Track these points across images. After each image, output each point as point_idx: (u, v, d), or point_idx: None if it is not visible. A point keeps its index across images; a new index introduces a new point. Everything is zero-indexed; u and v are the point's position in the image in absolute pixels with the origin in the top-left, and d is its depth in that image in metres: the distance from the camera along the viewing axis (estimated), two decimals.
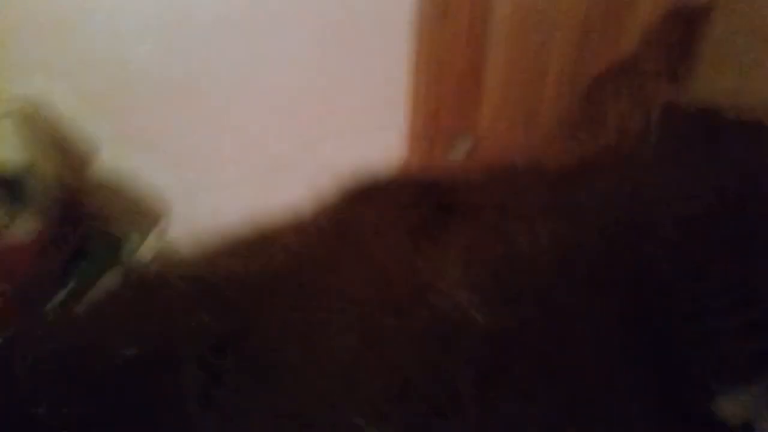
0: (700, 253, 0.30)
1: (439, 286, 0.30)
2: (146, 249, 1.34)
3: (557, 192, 0.35)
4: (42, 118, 1.46)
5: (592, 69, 1.56)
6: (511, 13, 1.48)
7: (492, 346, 0.29)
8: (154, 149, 1.61)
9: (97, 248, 1.15)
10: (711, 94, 1.47)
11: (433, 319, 0.27)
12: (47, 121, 1.48)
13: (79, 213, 1.12)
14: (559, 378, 0.27)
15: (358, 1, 1.45)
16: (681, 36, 1.53)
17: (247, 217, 1.38)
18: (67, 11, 1.45)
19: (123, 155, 1.62)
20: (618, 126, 1.60)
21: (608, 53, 1.55)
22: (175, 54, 1.49)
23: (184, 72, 1.52)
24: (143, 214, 1.54)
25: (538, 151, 1.52)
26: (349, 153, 1.57)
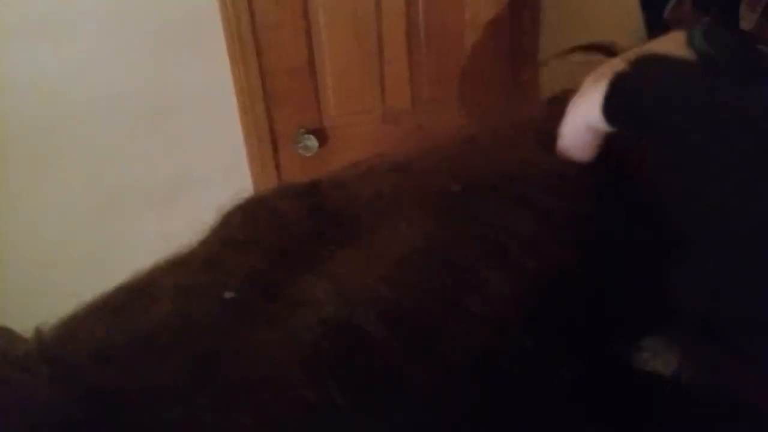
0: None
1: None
2: None
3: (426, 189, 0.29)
4: None
5: (430, 36, 1.51)
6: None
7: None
8: None
9: None
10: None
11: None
12: None
13: None
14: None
15: (172, 13, 1.31)
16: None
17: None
18: None
19: None
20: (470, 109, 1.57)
21: (439, 19, 1.50)
22: None
23: None
24: None
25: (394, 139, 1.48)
26: (192, 164, 1.43)
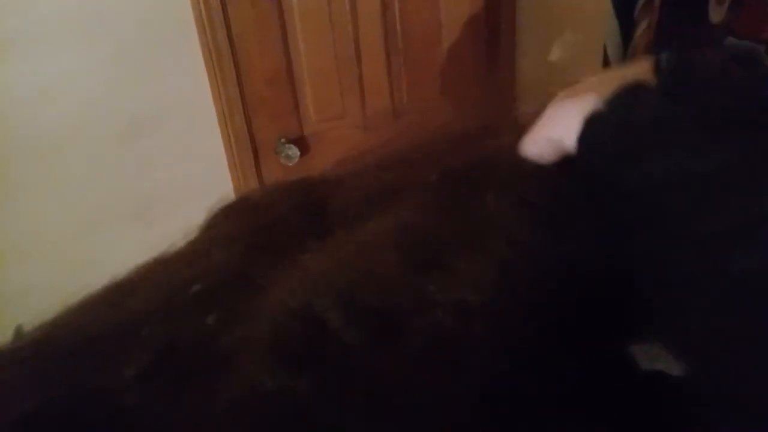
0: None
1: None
2: None
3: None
4: None
5: (407, 39, 1.51)
6: (307, 6, 1.38)
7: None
8: None
9: None
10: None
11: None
12: None
13: None
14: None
15: (146, 26, 1.30)
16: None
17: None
18: None
19: None
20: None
21: (415, 21, 1.51)
22: None
23: None
24: None
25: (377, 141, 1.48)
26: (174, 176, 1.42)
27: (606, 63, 1.55)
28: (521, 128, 0.32)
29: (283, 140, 1.48)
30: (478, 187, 0.29)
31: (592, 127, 0.27)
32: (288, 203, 0.32)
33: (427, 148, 0.36)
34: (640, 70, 0.29)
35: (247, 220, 0.32)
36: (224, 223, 0.32)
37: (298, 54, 1.43)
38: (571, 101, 0.29)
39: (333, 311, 0.22)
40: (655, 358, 0.24)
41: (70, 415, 0.20)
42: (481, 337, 0.23)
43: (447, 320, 0.23)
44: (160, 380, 0.21)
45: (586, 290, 0.25)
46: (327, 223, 0.29)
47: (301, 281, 0.25)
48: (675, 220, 0.23)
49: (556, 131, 0.29)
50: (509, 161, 0.30)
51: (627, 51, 1.21)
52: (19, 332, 0.25)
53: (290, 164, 1.49)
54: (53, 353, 0.23)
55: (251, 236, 0.30)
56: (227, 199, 0.34)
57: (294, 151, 1.48)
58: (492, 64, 1.60)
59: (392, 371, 0.21)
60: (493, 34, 1.59)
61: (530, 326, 0.24)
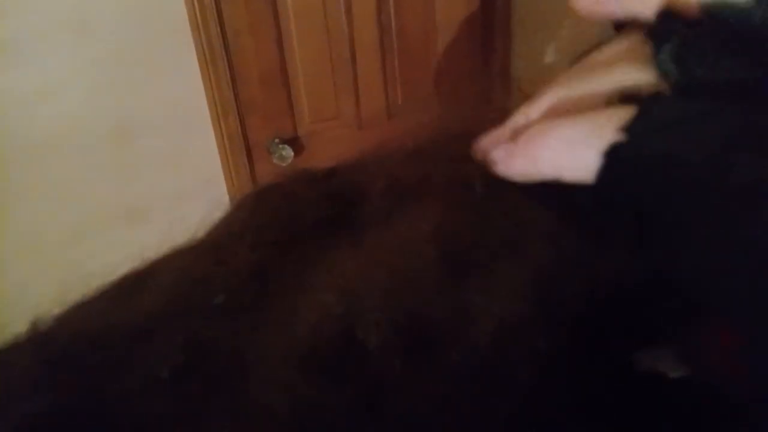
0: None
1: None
2: None
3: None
4: None
5: (402, 39, 1.51)
6: (302, 6, 1.38)
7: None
8: None
9: None
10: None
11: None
12: None
13: None
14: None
15: (140, 27, 1.29)
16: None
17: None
18: None
19: None
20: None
21: (410, 21, 1.50)
22: None
23: None
24: None
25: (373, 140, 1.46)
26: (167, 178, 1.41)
27: None
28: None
29: (276, 141, 1.47)
30: (518, 190, 0.26)
31: (618, 162, 0.23)
32: (316, 192, 0.30)
33: (457, 139, 0.33)
34: (633, 56, 0.25)
35: (272, 211, 0.30)
36: (248, 214, 0.31)
37: (292, 54, 1.42)
38: (558, 130, 0.25)
39: (371, 321, 0.21)
40: (657, 359, 0.23)
41: (81, 418, 0.20)
42: (521, 353, 0.21)
43: (487, 336, 0.21)
44: (189, 384, 0.20)
45: (629, 304, 0.23)
46: (359, 215, 0.27)
47: (337, 284, 0.23)
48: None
49: (549, 167, 0.25)
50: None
51: None
52: (35, 322, 0.24)
53: (284, 165, 1.48)
54: (61, 352, 0.22)
55: (278, 228, 0.28)
56: (250, 188, 0.32)
57: (288, 151, 1.47)
58: (487, 65, 1.60)
59: (430, 389, 0.20)
60: (488, 34, 1.58)
61: (570, 342, 0.22)
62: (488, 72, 1.60)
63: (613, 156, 0.23)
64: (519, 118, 0.28)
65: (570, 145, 0.25)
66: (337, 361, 0.20)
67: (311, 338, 0.21)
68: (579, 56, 0.29)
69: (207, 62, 1.34)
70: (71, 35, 1.28)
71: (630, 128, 0.23)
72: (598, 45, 0.31)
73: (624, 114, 0.24)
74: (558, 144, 0.25)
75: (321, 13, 1.41)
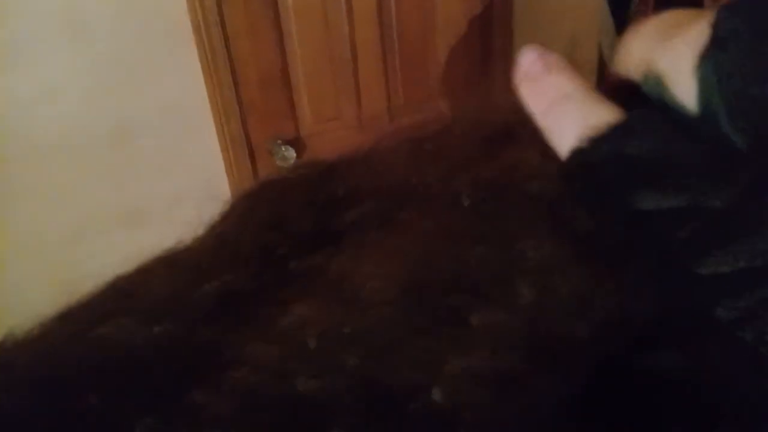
0: None
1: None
2: None
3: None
4: None
5: (403, 39, 1.51)
6: (303, 7, 1.38)
7: None
8: None
9: None
10: None
11: None
12: None
13: None
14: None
15: (142, 29, 1.30)
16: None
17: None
18: None
19: None
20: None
21: (411, 22, 1.50)
22: None
23: None
24: None
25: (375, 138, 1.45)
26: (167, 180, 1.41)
27: (601, 61, 1.55)
28: (542, 138, 0.28)
29: (279, 142, 1.47)
30: (510, 214, 0.24)
31: (574, 165, 0.22)
32: (309, 193, 0.29)
33: (451, 140, 0.31)
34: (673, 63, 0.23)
35: (264, 214, 0.29)
36: (242, 210, 0.30)
37: (293, 55, 1.43)
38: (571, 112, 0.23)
39: (320, 372, 0.20)
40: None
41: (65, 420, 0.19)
42: (497, 414, 0.19)
43: (455, 396, 0.19)
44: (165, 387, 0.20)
45: (635, 347, 0.20)
46: (341, 225, 0.25)
47: (293, 321, 0.22)
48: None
49: (553, 137, 0.24)
50: (544, 185, 0.25)
51: None
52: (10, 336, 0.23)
53: (287, 166, 1.48)
54: (44, 364, 0.22)
55: (266, 234, 0.27)
56: (245, 188, 0.31)
57: (290, 152, 1.48)
58: (487, 64, 1.60)
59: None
60: (489, 33, 1.59)
61: (563, 399, 0.19)
62: (489, 71, 1.60)
63: (572, 158, 0.23)
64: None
65: (553, 111, 0.24)
66: (275, 413, 0.19)
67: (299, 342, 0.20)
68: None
69: (209, 64, 1.34)
70: (73, 37, 1.28)
71: (595, 141, 0.22)
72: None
73: (610, 117, 0.22)
74: (559, 110, 0.24)
75: (321, 13, 1.41)
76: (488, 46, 1.60)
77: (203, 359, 0.21)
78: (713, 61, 0.21)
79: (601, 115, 0.23)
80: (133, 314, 0.23)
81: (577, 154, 0.22)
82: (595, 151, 0.22)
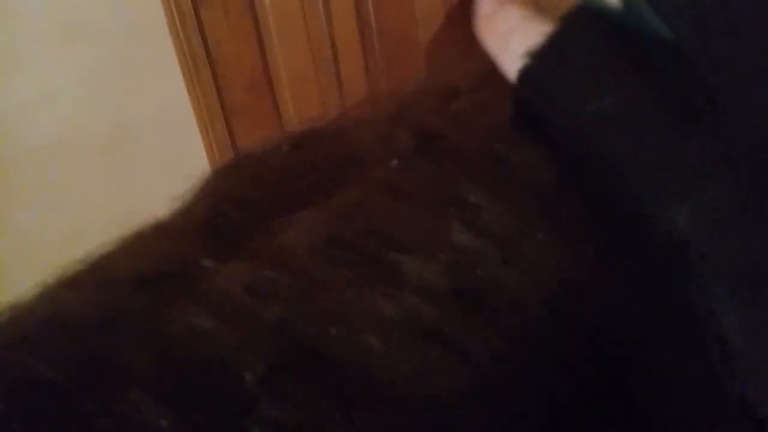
0: None
1: None
2: None
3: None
4: None
5: (383, 37, 1.51)
6: (281, 7, 1.38)
7: None
8: None
9: None
10: None
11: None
12: None
13: None
14: None
15: (120, 40, 1.28)
16: None
17: None
18: None
19: None
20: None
21: (391, 19, 1.50)
22: None
23: None
24: None
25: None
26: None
27: None
28: (500, 87, 0.27)
29: (261, 140, 1.47)
30: (453, 171, 0.23)
31: (525, 82, 0.23)
32: (286, 164, 0.28)
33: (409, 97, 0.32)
34: None
35: (242, 183, 0.28)
36: (220, 185, 0.29)
37: (274, 57, 1.42)
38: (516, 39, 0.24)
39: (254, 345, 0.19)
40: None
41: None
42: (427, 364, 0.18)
43: (387, 341, 0.18)
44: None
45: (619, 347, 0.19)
46: (297, 196, 0.25)
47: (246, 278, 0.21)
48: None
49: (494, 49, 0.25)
50: (496, 135, 0.24)
51: None
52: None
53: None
54: (26, 342, 0.21)
55: (244, 200, 0.26)
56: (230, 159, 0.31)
57: None
58: (468, 57, 1.60)
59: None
60: (468, 29, 1.59)
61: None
62: (470, 65, 1.60)
63: (521, 76, 0.24)
64: None
65: (504, 41, 0.25)
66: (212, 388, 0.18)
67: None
68: None
69: (190, 70, 1.34)
70: (52, 49, 1.27)
71: (535, 55, 0.23)
72: None
73: (547, 31, 0.23)
74: (500, 33, 0.25)
75: (300, 13, 1.41)
76: (468, 40, 1.60)
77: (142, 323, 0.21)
78: None
79: (543, 34, 0.24)
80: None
81: (524, 71, 0.23)
82: (537, 65, 0.23)
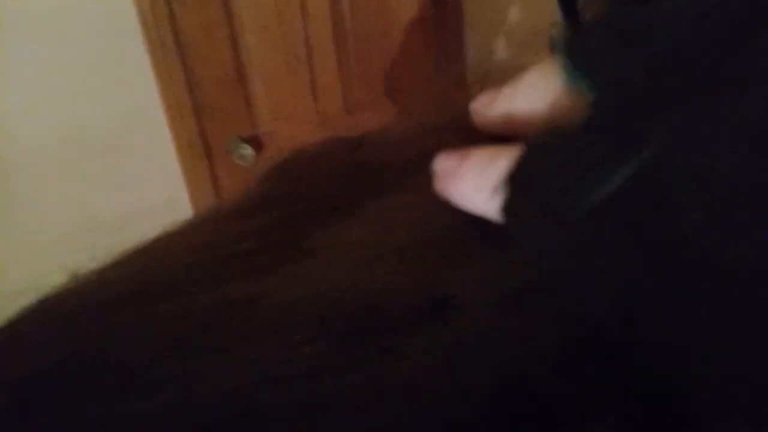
0: None
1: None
2: None
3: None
4: None
5: (357, 38, 1.51)
6: (256, 3, 1.37)
7: None
8: None
9: None
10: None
11: None
12: None
13: None
14: None
15: (93, 44, 1.26)
16: None
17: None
18: None
19: None
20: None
21: (365, 20, 1.51)
22: None
23: None
24: None
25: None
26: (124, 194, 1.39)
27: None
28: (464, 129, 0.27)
29: (236, 138, 1.46)
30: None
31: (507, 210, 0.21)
32: (338, 164, 0.29)
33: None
34: (542, 82, 0.23)
35: (293, 182, 0.29)
36: (270, 185, 0.30)
37: (248, 55, 1.41)
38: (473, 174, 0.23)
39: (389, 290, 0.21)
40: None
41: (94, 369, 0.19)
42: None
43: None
44: (199, 347, 0.20)
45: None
46: (377, 189, 0.26)
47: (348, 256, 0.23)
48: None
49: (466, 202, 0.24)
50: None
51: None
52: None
53: (245, 164, 1.47)
54: (76, 315, 0.22)
55: (296, 199, 0.27)
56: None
57: (248, 150, 1.46)
58: (442, 63, 1.62)
59: (449, 356, 0.18)
60: (442, 32, 1.60)
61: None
62: (443, 68, 1.61)
63: (505, 209, 0.21)
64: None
65: (478, 191, 0.22)
66: (356, 330, 0.19)
67: (329, 304, 0.20)
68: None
69: (161, 66, 1.32)
70: (37, 61, 1.25)
71: (510, 180, 0.21)
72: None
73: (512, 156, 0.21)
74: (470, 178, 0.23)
75: (274, 10, 1.40)
76: (441, 43, 1.61)
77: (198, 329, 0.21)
78: None
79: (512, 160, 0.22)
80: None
81: (506, 203, 0.21)
82: (514, 187, 0.21)
